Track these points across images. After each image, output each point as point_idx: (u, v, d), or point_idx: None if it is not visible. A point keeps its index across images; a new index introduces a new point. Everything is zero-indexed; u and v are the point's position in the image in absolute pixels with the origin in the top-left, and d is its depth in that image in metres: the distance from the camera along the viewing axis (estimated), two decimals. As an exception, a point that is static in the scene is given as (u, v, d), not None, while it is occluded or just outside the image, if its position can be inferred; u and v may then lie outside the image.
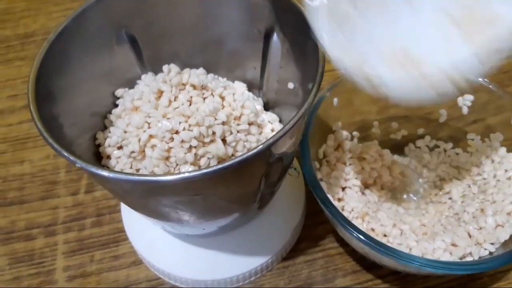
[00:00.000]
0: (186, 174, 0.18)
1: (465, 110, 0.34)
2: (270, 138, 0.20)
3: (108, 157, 0.27)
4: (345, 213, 0.30)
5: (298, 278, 0.32)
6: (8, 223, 0.36)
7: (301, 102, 0.27)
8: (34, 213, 0.36)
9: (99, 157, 0.28)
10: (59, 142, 0.21)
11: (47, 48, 0.24)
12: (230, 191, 0.22)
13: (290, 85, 0.29)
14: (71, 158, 0.19)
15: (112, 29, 0.28)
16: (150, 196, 0.21)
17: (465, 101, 0.33)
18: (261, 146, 0.19)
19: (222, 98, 0.28)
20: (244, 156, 0.19)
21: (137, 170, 0.26)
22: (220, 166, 0.19)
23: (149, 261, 0.31)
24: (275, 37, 0.28)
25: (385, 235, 0.30)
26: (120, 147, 0.27)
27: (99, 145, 0.28)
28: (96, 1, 0.26)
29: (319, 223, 0.34)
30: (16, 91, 0.45)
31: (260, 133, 0.29)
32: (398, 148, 0.37)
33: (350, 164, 0.33)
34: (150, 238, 0.31)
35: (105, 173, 0.19)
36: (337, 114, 0.35)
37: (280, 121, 0.31)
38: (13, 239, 0.35)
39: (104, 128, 0.29)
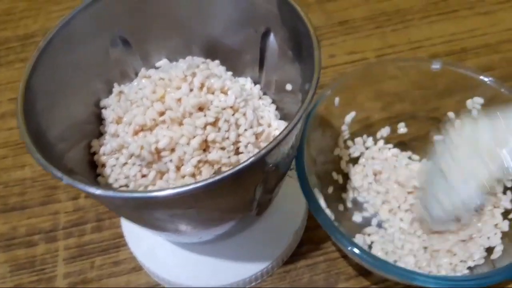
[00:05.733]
0: (176, 190, 0.18)
1: (474, 113, 0.32)
2: (263, 149, 0.19)
3: (103, 165, 0.27)
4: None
5: (299, 283, 0.31)
6: (10, 229, 0.36)
7: (299, 103, 0.26)
8: (35, 218, 0.36)
9: (94, 166, 0.27)
10: (47, 155, 0.20)
11: (36, 56, 0.24)
12: (225, 203, 0.22)
13: (288, 87, 0.28)
14: (58, 174, 0.19)
15: (104, 32, 0.27)
16: (142, 210, 0.21)
17: (475, 104, 0.32)
18: (253, 158, 0.19)
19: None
20: (237, 168, 0.18)
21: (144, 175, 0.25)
22: (210, 180, 0.18)
23: (149, 268, 0.31)
24: (271, 37, 0.27)
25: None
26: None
27: (94, 153, 0.27)
28: (85, 7, 0.25)
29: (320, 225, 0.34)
30: (17, 94, 0.44)
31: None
32: (404, 146, 0.36)
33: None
34: (149, 245, 0.31)
35: (92, 189, 0.18)
36: (339, 112, 0.34)
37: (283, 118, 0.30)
38: (15, 245, 0.35)
39: (100, 135, 0.28)
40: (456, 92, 0.34)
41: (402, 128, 0.35)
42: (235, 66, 0.31)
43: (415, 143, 0.36)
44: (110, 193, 0.18)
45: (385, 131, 0.35)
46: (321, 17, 0.48)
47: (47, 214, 0.36)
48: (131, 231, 0.32)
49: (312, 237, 0.33)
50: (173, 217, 0.22)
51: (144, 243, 0.31)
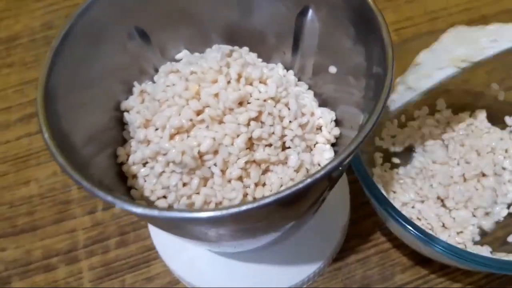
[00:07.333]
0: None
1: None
2: (341, 153, 0.16)
3: (134, 176, 0.24)
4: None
5: (353, 280, 0.29)
6: (23, 253, 0.32)
7: (350, 86, 0.24)
8: (50, 239, 0.33)
9: (123, 177, 0.24)
10: (89, 177, 0.17)
11: (51, 57, 0.20)
12: (297, 208, 0.19)
13: (332, 69, 0.25)
14: (109, 198, 0.16)
15: (121, 24, 0.24)
16: (208, 229, 0.18)
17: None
18: (335, 162, 0.16)
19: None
20: (317, 175, 0.16)
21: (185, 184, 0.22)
22: (286, 192, 0.15)
23: (189, 282, 0.28)
24: (310, 15, 0.24)
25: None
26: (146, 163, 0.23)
27: (121, 163, 0.24)
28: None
29: (365, 216, 0.31)
30: (8, 103, 0.40)
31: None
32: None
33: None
34: (187, 257, 0.28)
35: (154, 213, 0.15)
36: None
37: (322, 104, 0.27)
38: (31, 271, 0.31)
39: (123, 141, 0.25)
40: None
41: (440, 105, 0.33)
42: (260, 52, 0.28)
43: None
44: (180, 214, 0.15)
45: (423, 112, 0.33)
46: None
47: (63, 233, 0.33)
48: (163, 243, 0.29)
49: (359, 230, 0.31)
50: (234, 232, 0.19)
51: (181, 255, 0.28)
